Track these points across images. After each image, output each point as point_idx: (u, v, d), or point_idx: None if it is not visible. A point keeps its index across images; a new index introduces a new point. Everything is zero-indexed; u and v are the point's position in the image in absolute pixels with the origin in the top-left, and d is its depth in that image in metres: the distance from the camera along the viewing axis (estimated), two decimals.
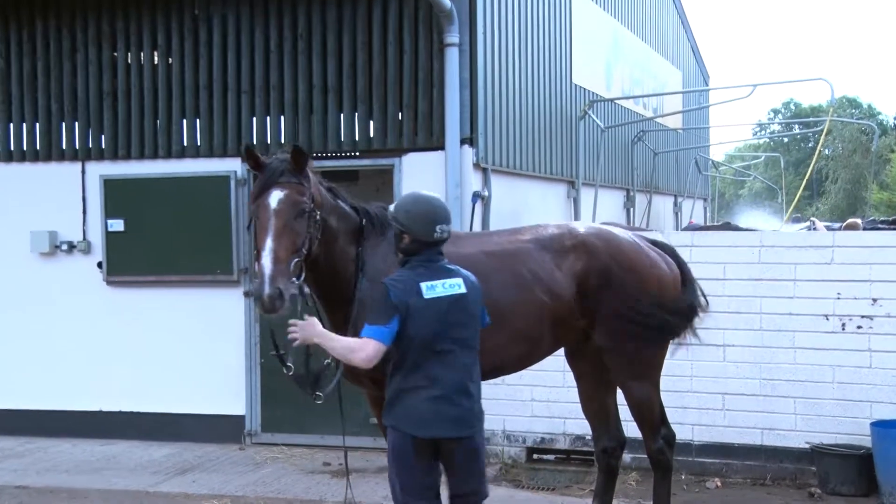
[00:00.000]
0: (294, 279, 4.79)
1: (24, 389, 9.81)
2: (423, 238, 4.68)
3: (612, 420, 6.16)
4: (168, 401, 9.43)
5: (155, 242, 9.35)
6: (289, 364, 5.20)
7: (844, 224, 13.69)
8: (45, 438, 9.61)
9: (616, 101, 14.46)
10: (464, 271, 4.77)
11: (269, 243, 4.76)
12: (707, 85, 22.53)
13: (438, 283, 4.65)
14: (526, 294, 5.49)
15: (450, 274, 4.71)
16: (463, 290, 4.69)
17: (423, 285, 4.61)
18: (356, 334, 5.17)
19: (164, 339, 9.41)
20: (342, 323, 5.26)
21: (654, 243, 6.05)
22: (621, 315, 5.61)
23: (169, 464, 8.65)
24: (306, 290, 4.97)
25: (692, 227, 13.30)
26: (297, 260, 4.83)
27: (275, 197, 4.88)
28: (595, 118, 12.72)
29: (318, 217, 4.99)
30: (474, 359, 4.75)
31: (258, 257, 4.81)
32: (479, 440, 4.76)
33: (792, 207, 14.94)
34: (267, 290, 4.64)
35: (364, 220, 5.35)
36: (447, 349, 4.63)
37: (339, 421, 9.11)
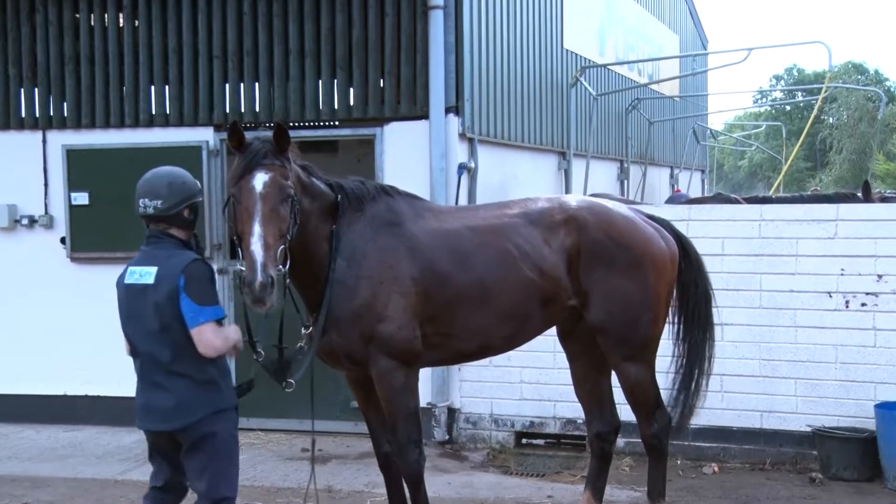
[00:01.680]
0: (280, 267, 4.80)
1: None
2: (138, 213, 4.82)
3: (605, 403, 6.20)
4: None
5: (122, 217, 9.25)
6: (259, 350, 5.21)
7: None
8: (6, 424, 9.59)
9: (609, 68, 14.45)
10: (176, 259, 4.68)
11: (257, 229, 4.75)
12: (705, 50, 22.52)
13: (139, 269, 4.75)
14: (512, 271, 5.50)
15: (151, 261, 4.73)
16: (150, 281, 4.66)
17: (129, 270, 4.81)
18: (331, 318, 5.20)
19: None
20: (317, 305, 5.27)
21: (651, 218, 6.07)
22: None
23: (138, 450, 8.65)
24: (288, 279, 4.99)
25: (677, 198, 13.12)
26: (282, 247, 4.85)
27: (260, 180, 4.86)
28: (587, 85, 12.70)
29: (297, 202, 5.00)
30: (175, 353, 4.67)
31: (243, 243, 4.80)
32: (193, 437, 4.74)
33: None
34: (259, 278, 4.64)
35: (339, 197, 5.34)
36: (136, 340, 4.80)
37: (320, 404, 9.15)
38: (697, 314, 6.09)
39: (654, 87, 17.06)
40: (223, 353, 4.73)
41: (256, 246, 4.71)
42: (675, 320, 6.12)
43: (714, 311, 6.19)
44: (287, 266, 4.90)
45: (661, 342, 6.01)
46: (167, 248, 4.75)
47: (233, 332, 4.84)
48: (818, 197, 10.78)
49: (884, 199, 10.41)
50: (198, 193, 4.93)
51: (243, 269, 4.73)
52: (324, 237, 5.26)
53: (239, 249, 4.89)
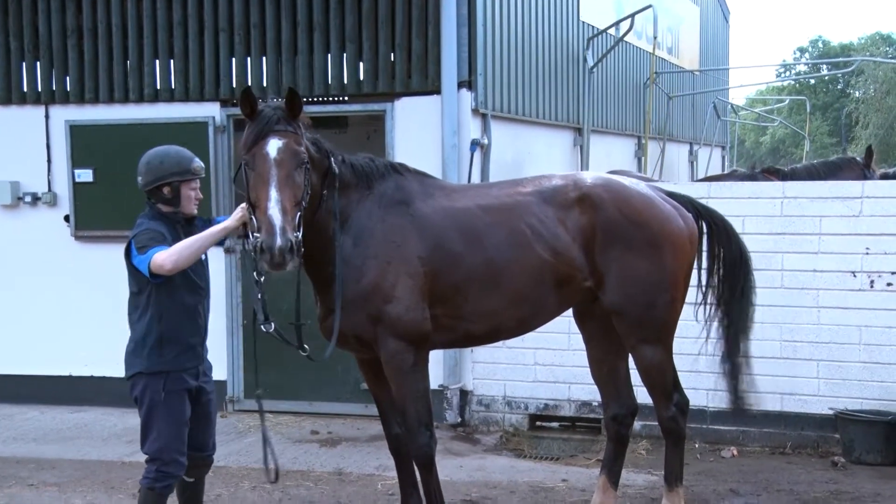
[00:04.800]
0: (297, 234, 4.82)
1: None
2: None
3: (622, 386, 6.21)
4: None
5: (126, 194, 9.26)
6: (270, 323, 5.23)
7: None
8: (11, 405, 9.69)
9: (626, 41, 14.32)
10: (134, 229, 5.17)
11: (273, 194, 4.78)
12: (727, 24, 22.36)
13: None
14: (525, 252, 5.50)
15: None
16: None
17: None
18: (335, 296, 5.23)
19: None
20: (328, 283, 5.29)
21: (671, 195, 6.05)
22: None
23: None
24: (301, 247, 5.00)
25: None
26: (299, 214, 4.88)
27: (274, 146, 4.90)
28: (589, 55, 12.48)
29: (309, 169, 5.02)
30: (129, 312, 5.34)
31: (258, 210, 4.82)
32: (132, 393, 5.37)
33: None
34: (279, 241, 4.67)
35: (336, 169, 5.33)
36: None
37: (330, 385, 9.21)
38: (733, 278, 6.06)
39: (673, 61, 16.93)
40: (187, 254, 4.95)
41: (274, 210, 4.74)
42: (710, 289, 6.11)
43: (751, 274, 6.14)
44: (301, 233, 4.91)
45: (681, 323, 6.02)
46: (141, 218, 5.24)
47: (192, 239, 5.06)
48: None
49: (885, 176, 10.51)
50: (176, 174, 5.19)
51: (259, 235, 4.75)
52: (331, 213, 5.29)
53: (252, 218, 4.89)
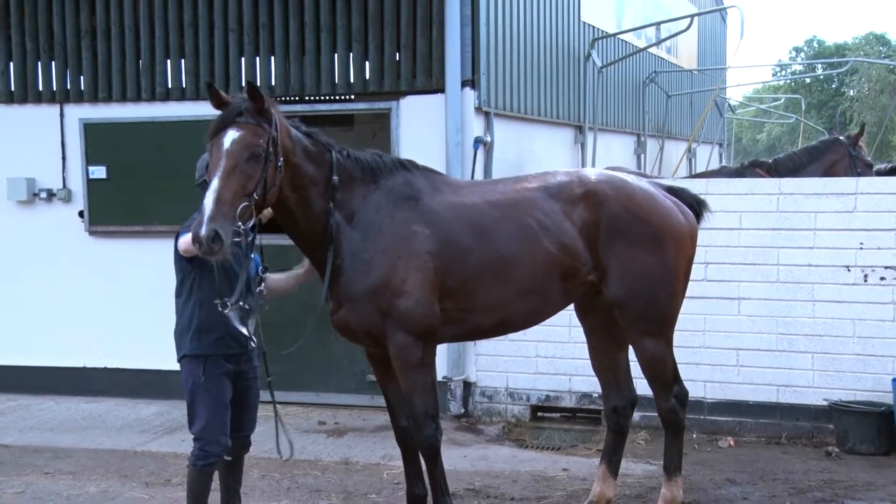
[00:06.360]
0: (240, 224, 4.76)
1: (3, 345, 9.90)
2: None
3: (623, 378, 6.21)
4: (154, 357, 9.48)
5: (139, 190, 9.36)
6: (227, 304, 5.23)
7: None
8: (27, 396, 9.72)
9: (627, 41, 14.32)
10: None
11: (214, 184, 4.77)
12: (725, 24, 22.30)
13: None
14: (532, 246, 5.50)
15: None
16: None
17: None
18: (347, 293, 5.25)
19: (149, 292, 9.42)
20: (335, 277, 5.28)
21: (671, 190, 6.05)
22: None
23: (157, 422, 8.75)
24: (251, 236, 5.01)
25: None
26: (245, 204, 4.80)
27: (229, 137, 4.87)
28: (595, 58, 12.50)
29: (278, 162, 4.97)
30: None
31: None
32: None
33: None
34: (203, 231, 4.62)
35: (333, 161, 5.31)
36: None
37: (337, 377, 9.22)
38: None
39: (672, 60, 16.90)
40: (187, 250, 5.12)
41: (208, 200, 4.70)
42: None
43: None
44: (251, 224, 4.89)
45: (681, 316, 6.02)
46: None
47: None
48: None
49: (879, 172, 10.44)
50: None
51: None
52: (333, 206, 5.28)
53: None
